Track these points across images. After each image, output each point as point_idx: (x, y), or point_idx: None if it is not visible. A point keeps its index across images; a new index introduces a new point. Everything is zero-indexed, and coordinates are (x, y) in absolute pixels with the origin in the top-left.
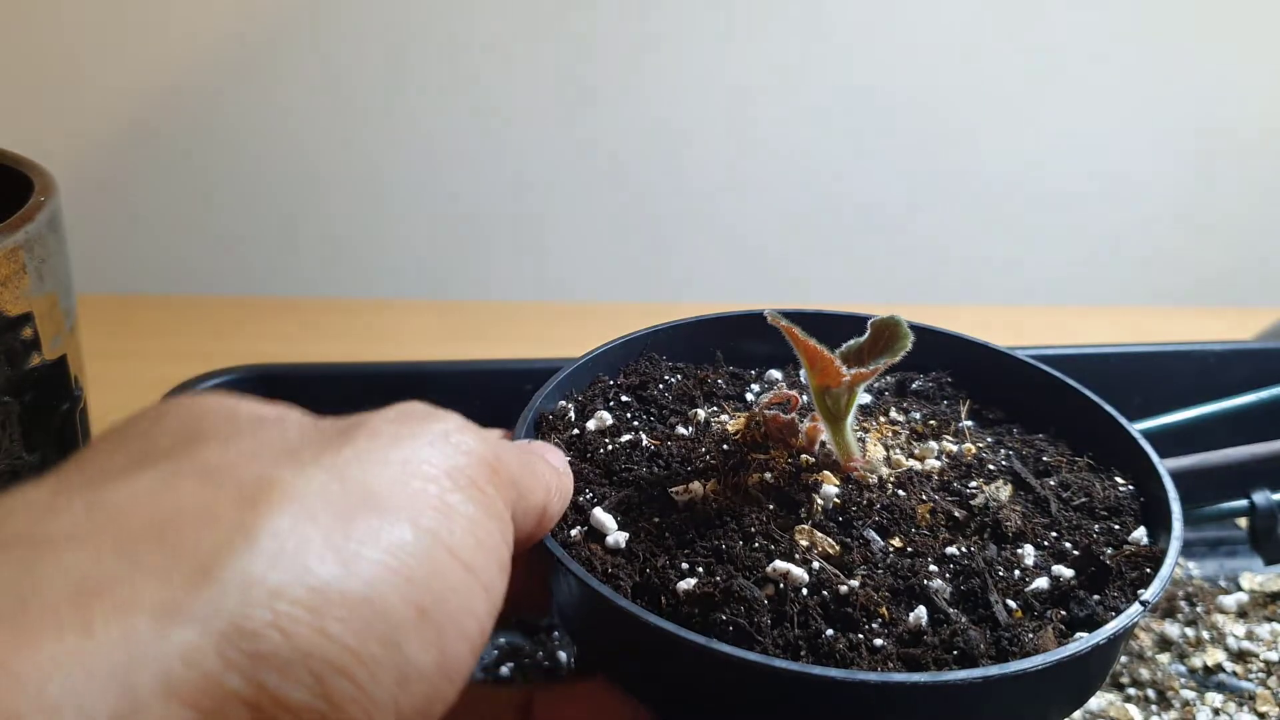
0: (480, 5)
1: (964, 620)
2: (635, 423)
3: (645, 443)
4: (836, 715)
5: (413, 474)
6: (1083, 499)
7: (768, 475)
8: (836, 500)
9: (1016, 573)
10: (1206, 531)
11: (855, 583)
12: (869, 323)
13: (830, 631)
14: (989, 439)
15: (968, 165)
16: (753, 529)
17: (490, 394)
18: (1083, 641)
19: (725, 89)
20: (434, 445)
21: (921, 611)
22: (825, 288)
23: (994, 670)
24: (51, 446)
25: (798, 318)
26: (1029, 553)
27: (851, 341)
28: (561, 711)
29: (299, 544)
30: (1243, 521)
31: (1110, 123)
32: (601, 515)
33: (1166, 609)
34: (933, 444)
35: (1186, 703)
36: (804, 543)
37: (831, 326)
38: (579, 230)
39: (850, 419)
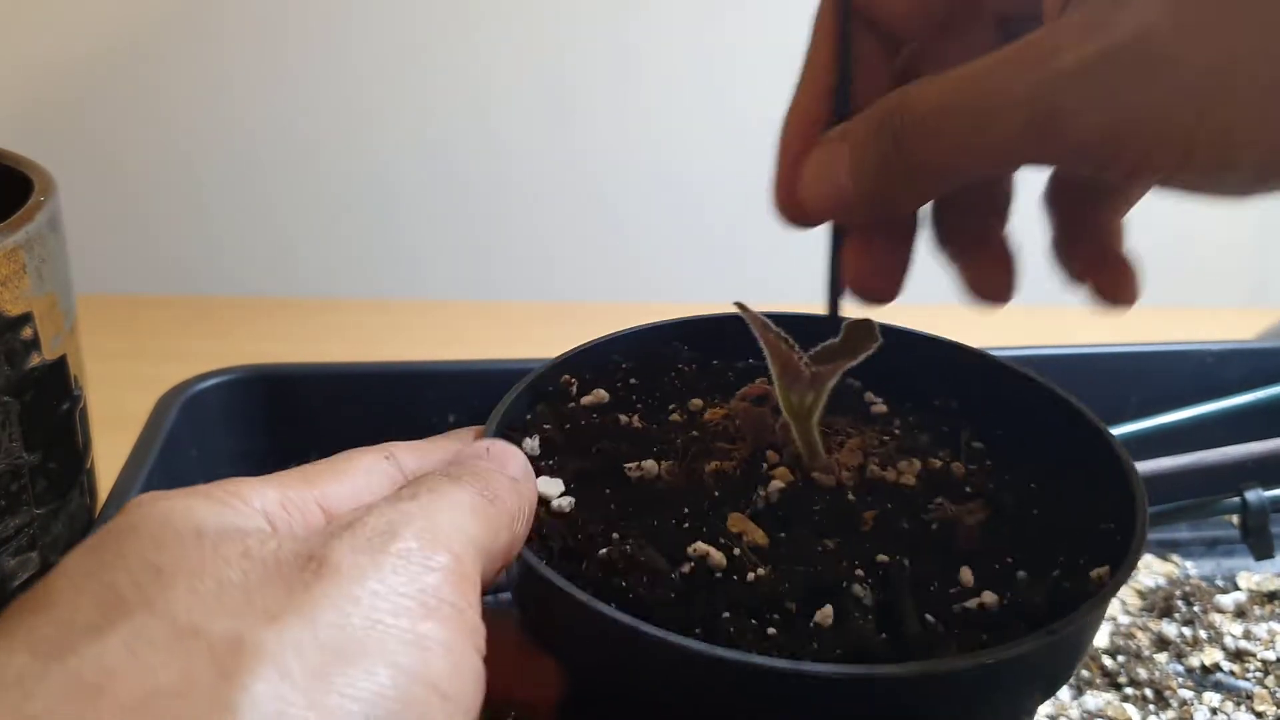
0: (480, 10)
1: (870, 625)
2: (638, 404)
3: (629, 422)
4: (688, 691)
5: (383, 610)
6: (1057, 529)
7: (726, 464)
8: (780, 496)
9: (952, 590)
10: (1204, 530)
11: (763, 571)
12: (843, 324)
13: (727, 614)
14: (987, 461)
15: None
16: (687, 510)
17: (490, 394)
18: (960, 660)
19: (731, 87)
20: (399, 571)
21: (829, 610)
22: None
23: (841, 669)
24: (51, 446)
25: (794, 320)
26: (970, 575)
27: (829, 341)
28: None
29: (279, 712)
30: (1236, 518)
31: None
32: (548, 482)
33: (1164, 608)
34: (915, 461)
35: (1184, 702)
36: (735, 530)
37: (829, 329)
38: (582, 231)
39: (816, 418)
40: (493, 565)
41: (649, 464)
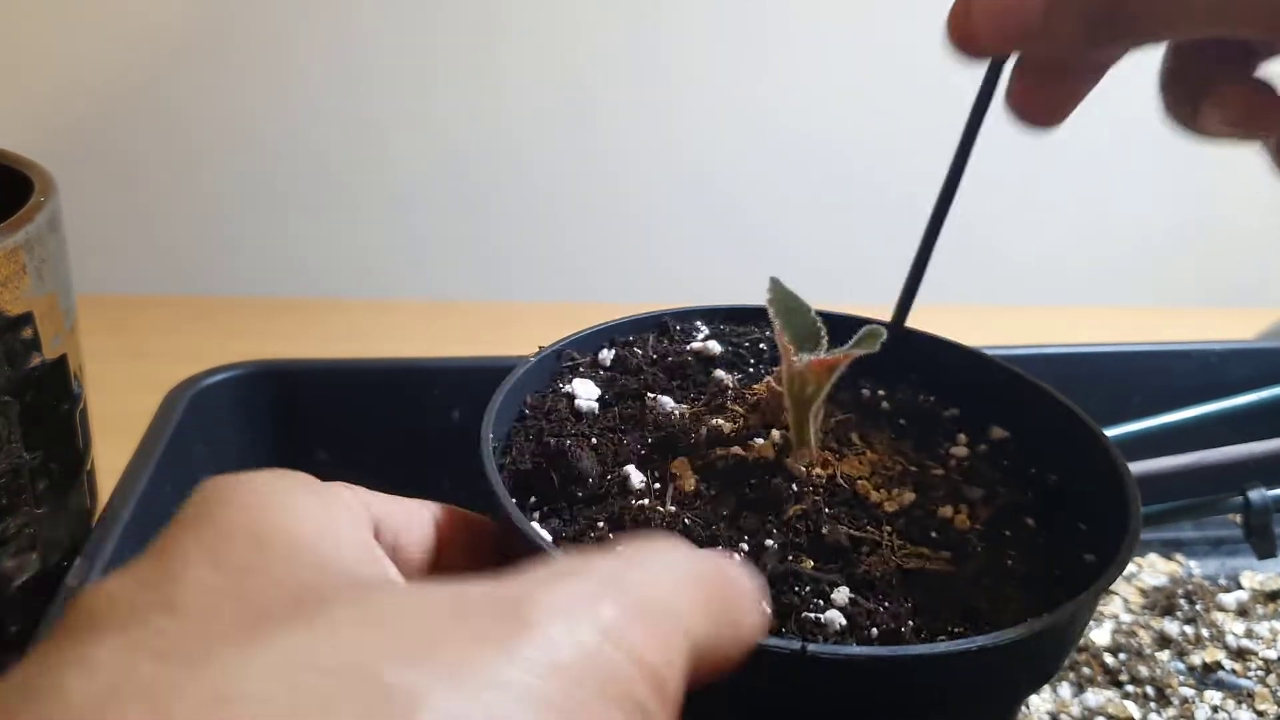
0: (493, 13)
1: None
2: (751, 368)
3: (716, 375)
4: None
5: (572, 696)
6: (989, 614)
7: (726, 424)
8: (735, 461)
9: (811, 600)
10: (1208, 530)
11: (662, 508)
12: (864, 327)
13: (602, 524)
14: (1007, 531)
15: (971, 165)
16: (652, 440)
17: (490, 394)
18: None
19: (736, 87)
20: (596, 654)
21: None
22: (858, 288)
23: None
24: (51, 446)
25: (842, 320)
26: (842, 595)
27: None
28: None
29: None
30: (1239, 518)
31: (1111, 121)
32: (589, 386)
33: (1166, 607)
34: (910, 494)
35: (1185, 700)
36: (674, 471)
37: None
38: (583, 230)
39: (814, 409)
40: (705, 667)
41: (664, 399)
